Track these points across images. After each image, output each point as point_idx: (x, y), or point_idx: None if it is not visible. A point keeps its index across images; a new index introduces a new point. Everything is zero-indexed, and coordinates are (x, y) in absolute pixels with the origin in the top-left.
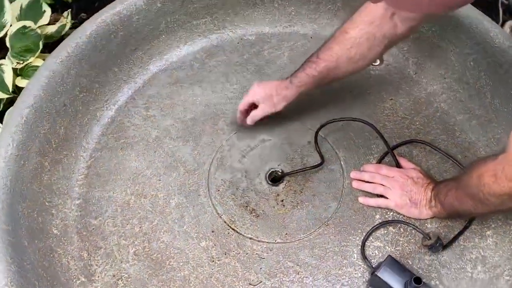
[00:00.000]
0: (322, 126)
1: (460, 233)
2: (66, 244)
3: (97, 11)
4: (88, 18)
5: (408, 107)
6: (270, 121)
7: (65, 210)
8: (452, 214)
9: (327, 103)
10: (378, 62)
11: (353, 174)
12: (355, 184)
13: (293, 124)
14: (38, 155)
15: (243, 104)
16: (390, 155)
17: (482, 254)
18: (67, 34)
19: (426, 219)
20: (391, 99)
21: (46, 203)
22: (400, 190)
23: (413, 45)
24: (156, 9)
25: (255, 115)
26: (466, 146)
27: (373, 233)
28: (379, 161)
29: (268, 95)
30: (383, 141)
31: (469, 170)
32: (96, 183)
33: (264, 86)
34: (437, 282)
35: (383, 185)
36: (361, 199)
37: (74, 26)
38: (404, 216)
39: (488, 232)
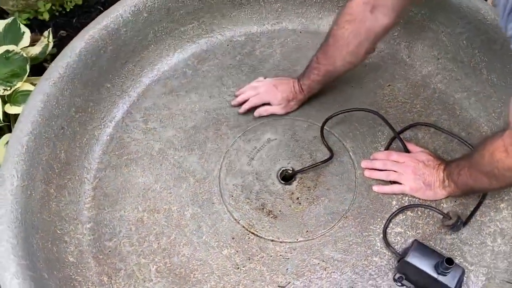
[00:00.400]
0: (327, 120)
1: (476, 209)
2: (84, 270)
3: (76, 27)
4: (68, 35)
5: (407, 91)
6: (272, 120)
7: (77, 236)
8: (466, 192)
9: (326, 97)
10: None
11: (364, 164)
12: (367, 173)
13: (295, 121)
14: (43, 183)
15: (256, 102)
16: (397, 141)
17: (500, 226)
18: (50, 54)
19: (441, 199)
20: (389, 85)
21: (58, 231)
22: (413, 174)
23: (403, 29)
24: (143, 20)
25: (267, 111)
26: (468, 123)
27: (392, 220)
28: (387, 148)
29: (284, 99)
30: (390, 127)
31: (479, 149)
32: (105, 204)
33: (281, 90)
34: (461, 260)
35: (395, 171)
36: (376, 188)
37: (55, 45)
38: (419, 199)
39: (502, 205)
